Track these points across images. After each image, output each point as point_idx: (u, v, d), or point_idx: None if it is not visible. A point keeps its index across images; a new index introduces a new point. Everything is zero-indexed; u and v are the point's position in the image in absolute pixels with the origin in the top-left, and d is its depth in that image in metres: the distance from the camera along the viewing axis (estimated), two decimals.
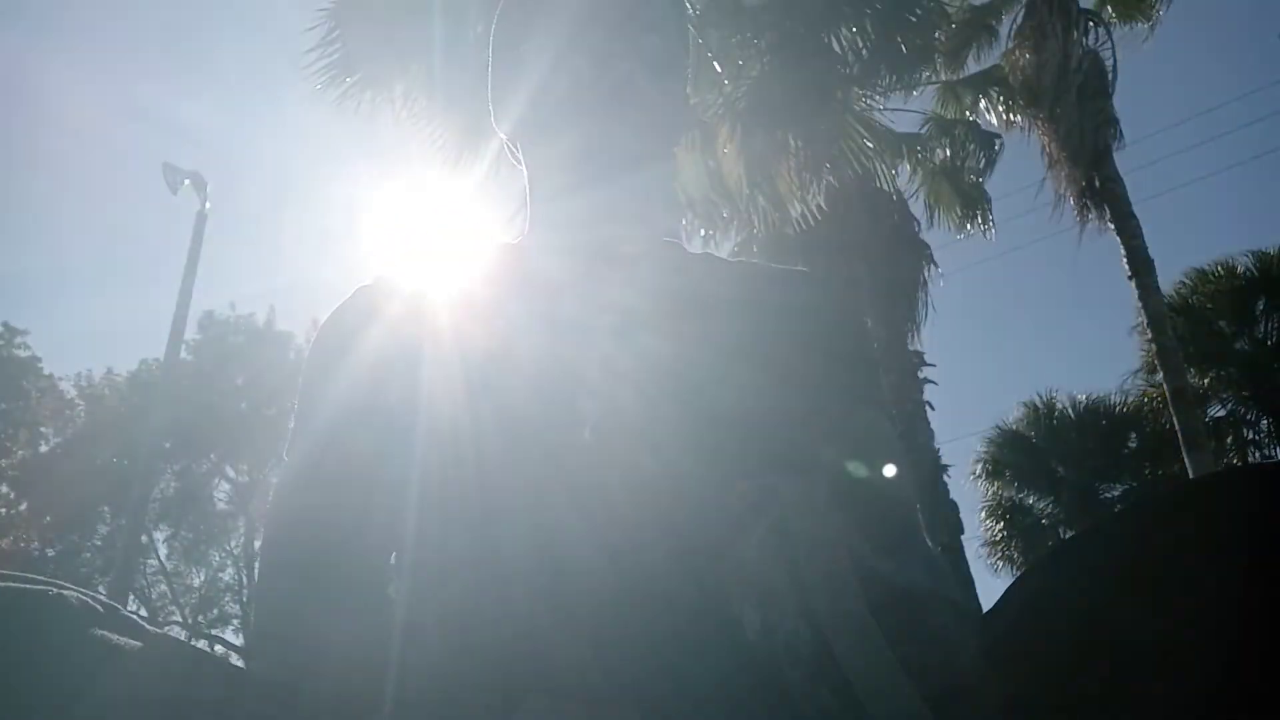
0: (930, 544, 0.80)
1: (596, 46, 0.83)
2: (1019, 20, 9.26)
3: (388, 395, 0.81)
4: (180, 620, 18.08)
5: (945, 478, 8.21)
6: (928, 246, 8.97)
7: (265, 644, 0.67)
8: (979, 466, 15.43)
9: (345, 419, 0.81)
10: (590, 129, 0.82)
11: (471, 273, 0.91)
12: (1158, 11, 9.38)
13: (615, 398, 0.79)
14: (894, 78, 7.20)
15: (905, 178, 9.14)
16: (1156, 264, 8.70)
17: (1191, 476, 8.09)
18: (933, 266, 8.89)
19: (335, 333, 0.87)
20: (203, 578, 18.69)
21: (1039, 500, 15.23)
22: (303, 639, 0.60)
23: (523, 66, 0.88)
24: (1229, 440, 13.76)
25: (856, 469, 0.79)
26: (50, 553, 17.15)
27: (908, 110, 8.80)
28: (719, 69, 6.55)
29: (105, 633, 0.49)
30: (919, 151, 8.99)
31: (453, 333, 0.85)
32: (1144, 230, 8.78)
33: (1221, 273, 14.03)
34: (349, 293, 0.90)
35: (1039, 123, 9.13)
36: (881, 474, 0.79)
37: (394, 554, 0.84)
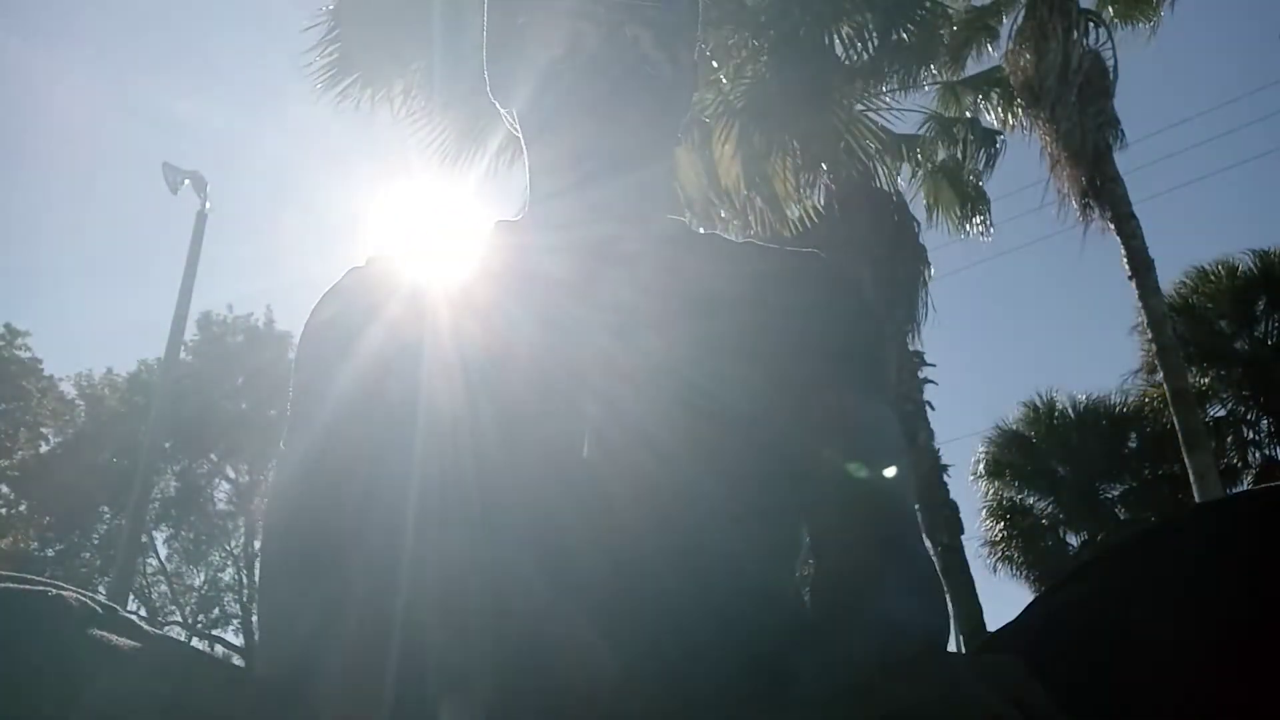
0: (924, 543, 0.80)
1: (604, 18, 0.80)
2: (1019, 20, 9.25)
3: (384, 388, 0.80)
4: (180, 620, 18.08)
5: (945, 478, 8.21)
6: (924, 248, 8.97)
7: (264, 643, 0.66)
8: (979, 466, 15.43)
9: (341, 410, 0.80)
10: (591, 127, 0.80)
11: (468, 262, 0.89)
12: (1159, 12, 9.38)
13: (614, 396, 0.79)
14: (894, 78, 7.20)
15: (905, 178, 9.14)
16: (1156, 264, 8.70)
17: (1193, 477, 8.09)
18: (931, 267, 8.89)
19: (328, 318, 0.85)
20: (203, 578, 18.69)
21: (1039, 500, 15.23)
22: (301, 638, 0.60)
23: (524, 45, 0.84)
24: (1229, 440, 13.75)
25: (856, 469, 0.78)
26: (50, 553, 17.14)
27: (908, 110, 8.80)
28: (717, 68, 6.54)
29: (104, 633, 0.49)
30: (919, 152, 8.98)
31: (450, 324, 0.83)
32: (1144, 230, 8.79)
33: (1222, 272, 14.02)
34: (340, 275, 0.88)
35: (1039, 123, 9.12)
36: (880, 473, 0.78)
37: (393, 552, 0.83)
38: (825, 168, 6.67)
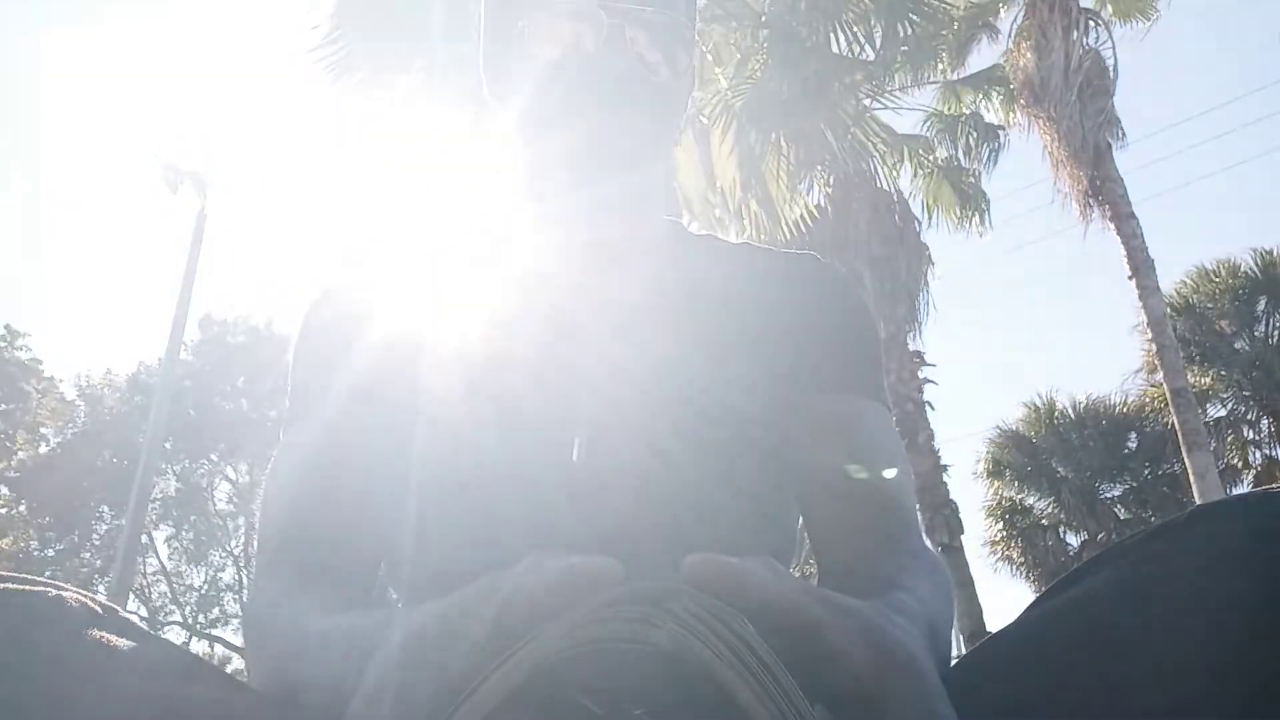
0: (926, 543, 0.80)
1: (602, 21, 0.80)
2: (1019, 19, 9.26)
3: (381, 386, 0.80)
4: (180, 620, 18.07)
5: (945, 478, 8.21)
6: (927, 247, 8.97)
7: (263, 646, 0.66)
8: (979, 466, 15.45)
9: (338, 408, 0.80)
10: (589, 127, 0.80)
11: (464, 261, 0.90)
12: (1156, 9, 9.37)
13: (611, 396, 0.79)
14: (895, 76, 7.20)
15: (906, 177, 9.14)
16: (1156, 264, 8.71)
17: (1193, 477, 8.09)
18: (932, 266, 8.89)
19: (324, 316, 0.85)
20: (203, 578, 18.68)
21: (1039, 500, 15.24)
22: (299, 640, 0.60)
23: (523, 48, 0.84)
24: (1229, 440, 13.75)
25: (854, 469, 0.78)
26: (50, 553, 17.14)
27: (909, 109, 8.80)
28: (716, 67, 6.54)
29: (104, 634, 0.48)
30: (920, 150, 8.98)
31: (446, 322, 0.83)
32: (1144, 230, 8.79)
33: (1223, 272, 14.03)
34: (338, 275, 0.88)
35: (1040, 122, 9.13)
36: (878, 473, 0.78)
37: (391, 553, 0.83)
38: (824, 167, 6.67)
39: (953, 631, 0.70)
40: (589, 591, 0.42)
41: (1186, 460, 8.26)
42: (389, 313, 0.83)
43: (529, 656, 0.40)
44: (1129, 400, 15.07)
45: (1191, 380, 11.10)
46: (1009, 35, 9.30)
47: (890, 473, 0.78)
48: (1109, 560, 0.54)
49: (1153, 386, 13.55)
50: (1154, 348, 9.02)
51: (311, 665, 0.55)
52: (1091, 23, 9.18)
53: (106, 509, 17.37)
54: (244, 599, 17.70)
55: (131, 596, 15.46)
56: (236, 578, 18.31)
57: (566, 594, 0.42)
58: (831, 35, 6.31)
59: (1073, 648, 0.49)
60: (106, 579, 15.63)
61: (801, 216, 6.86)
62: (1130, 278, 8.69)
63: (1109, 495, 14.96)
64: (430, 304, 0.85)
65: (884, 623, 0.46)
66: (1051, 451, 15.11)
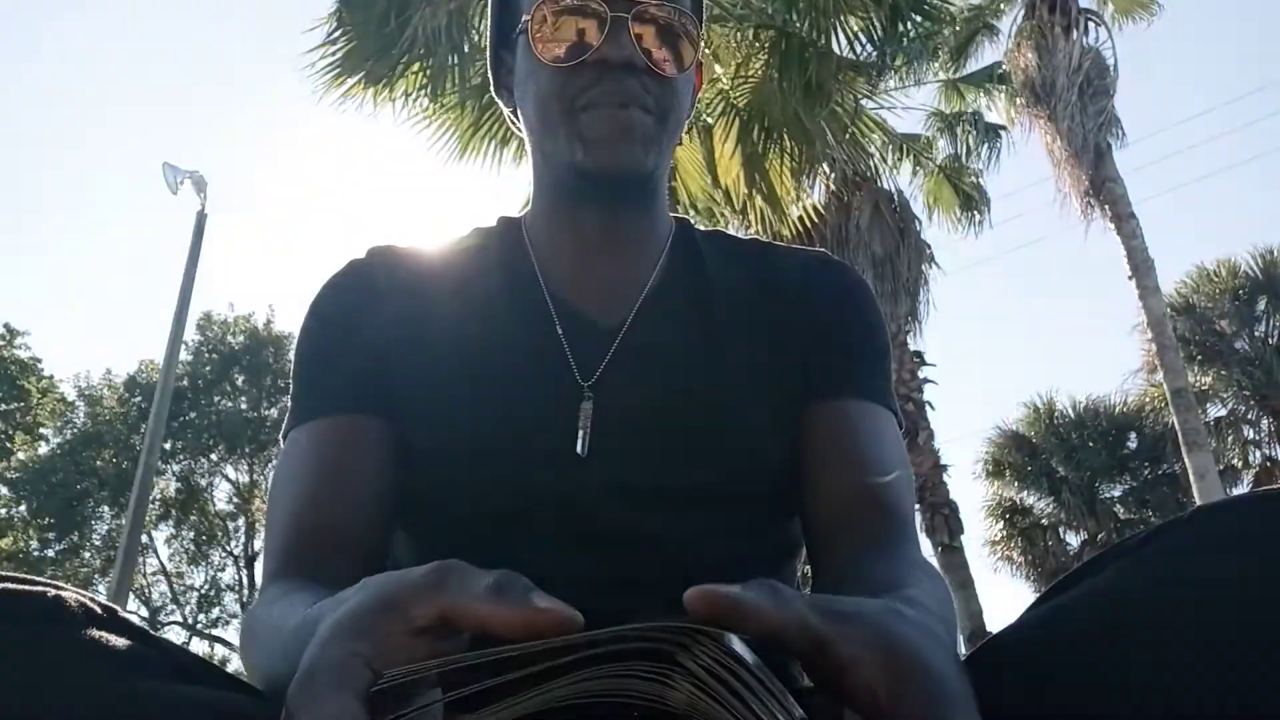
0: (925, 545, 0.80)
1: (607, 16, 0.79)
2: (1019, 19, 9.27)
3: (383, 380, 0.80)
4: (181, 620, 18.07)
5: (945, 478, 8.21)
6: (929, 246, 8.97)
7: (251, 644, 0.66)
8: (979, 466, 15.46)
9: (342, 400, 0.80)
10: (597, 122, 0.80)
11: (468, 254, 0.90)
12: (1159, 3, 9.37)
13: (618, 390, 0.79)
14: (896, 76, 7.20)
15: (907, 176, 9.14)
16: (1156, 264, 8.71)
17: (1193, 477, 8.10)
18: (933, 266, 8.89)
19: (328, 309, 0.86)
20: (203, 578, 18.68)
21: (1039, 500, 15.25)
22: (278, 634, 0.60)
23: (528, 44, 0.83)
24: (1229, 440, 13.76)
25: (856, 472, 0.78)
26: (50, 553, 17.14)
27: (910, 108, 8.80)
28: (719, 69, 6.54)
29: (104, 634, 0.48)
30: (920, 150, 8.98)
31: (449, 315, 0.84)
32: (1144, 230, 8.80)
33: (1223, 272, 14.03)
34: (341, 268, 0.88)
35: (1040, 121, 9.13)
36: (881, 477, 0.78)
37: (394, 549, 0.83)
38: (826, 167, 6.67)
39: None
40: (546, 635, 0.42)
41: (1186, 460, 8.27)
42: (392, 307, 0.84)
43: (538, 700, 0.40)
44: (1129, 400, 15.09)
45: (1191, 380, 11.11)
46: (1009, 35, 9.31)
47: (890, 478, 0.78)
48: (1112, 559, 0.54)
49: (1153, 386, 13.55)
50: (1154, 348, 9.03)
51: (285, 658, 0.55)
52: (1091, 23, 9.19)
53: (106, 509, 17.37)
54: (244, 599, 17.70)
55: (131, 596, 15.45)
56: (236, 578, 18.31)
57: (520, 634, 0.42)
58: (832, 35, 6.31)
59: (1077, 646, 0.49)
60: (106, 579, 15.64)
61: (804, 213, 6.86)
62: (1130, 278, 8.70)
63: (1109, 495, 14.97)
64: (433, 298, 0.85)
65: (892, 625, 0.46)
66: (1051, 451, 15.11)
